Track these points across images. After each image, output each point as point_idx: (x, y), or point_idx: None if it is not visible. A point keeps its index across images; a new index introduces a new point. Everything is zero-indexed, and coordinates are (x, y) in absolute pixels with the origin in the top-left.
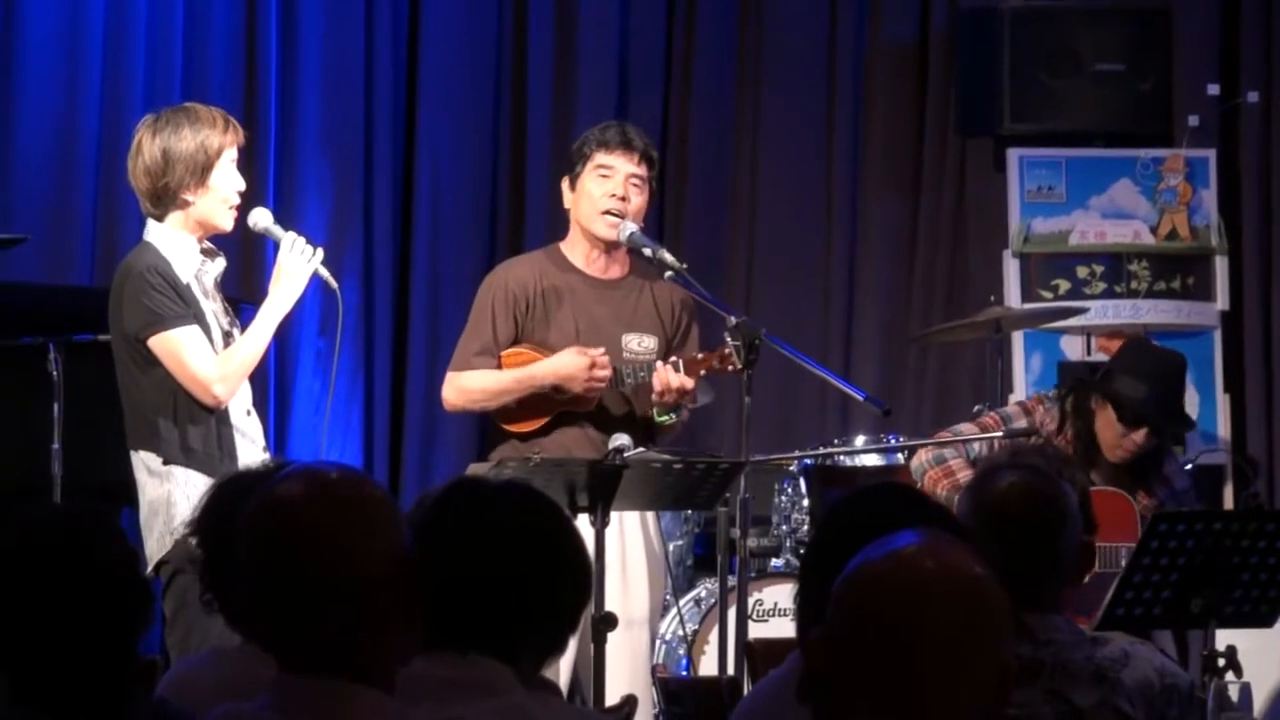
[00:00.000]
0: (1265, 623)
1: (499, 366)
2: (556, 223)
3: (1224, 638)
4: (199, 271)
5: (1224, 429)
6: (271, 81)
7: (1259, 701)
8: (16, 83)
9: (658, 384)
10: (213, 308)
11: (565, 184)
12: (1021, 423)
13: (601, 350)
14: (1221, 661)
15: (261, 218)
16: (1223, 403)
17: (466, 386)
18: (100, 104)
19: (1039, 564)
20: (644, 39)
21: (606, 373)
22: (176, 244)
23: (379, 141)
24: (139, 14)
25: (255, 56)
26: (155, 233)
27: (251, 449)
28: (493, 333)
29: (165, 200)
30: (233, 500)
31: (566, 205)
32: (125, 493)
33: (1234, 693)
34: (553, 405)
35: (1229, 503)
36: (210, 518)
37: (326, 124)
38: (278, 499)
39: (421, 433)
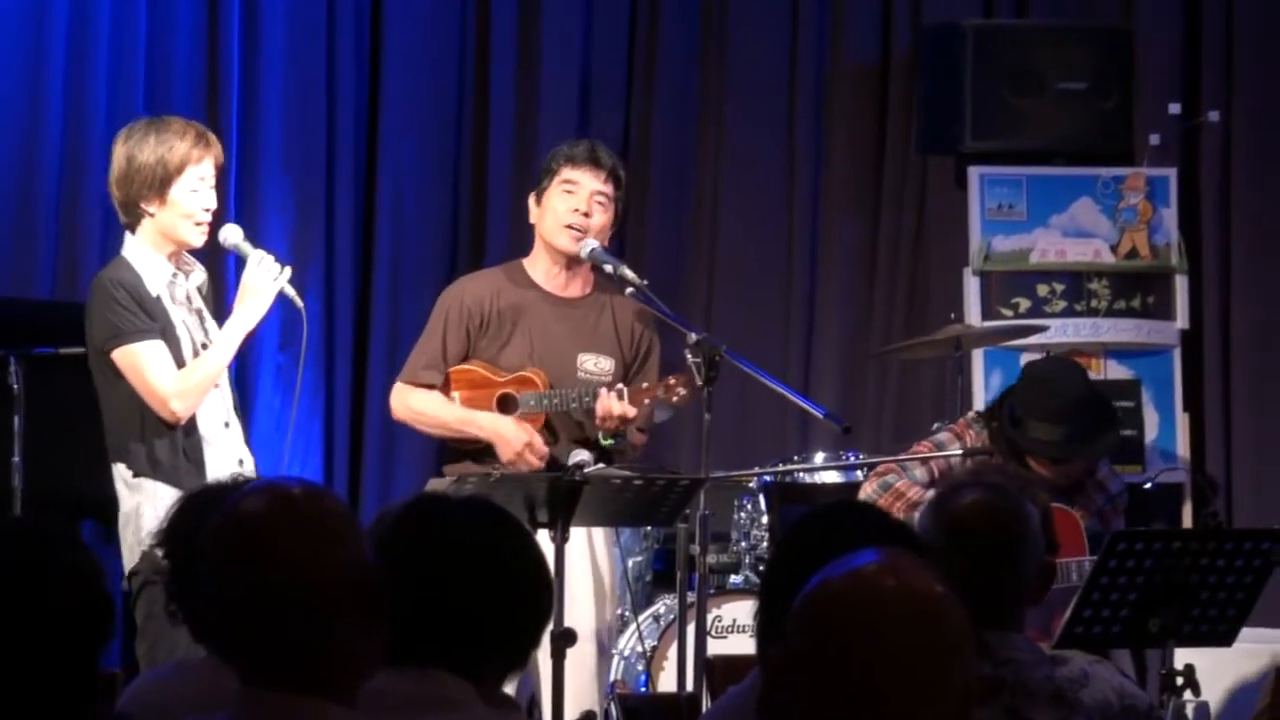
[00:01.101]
0: (1224, 641)
1: (446, 383)
2: (518, 238)
3: (1182, 657)
4: (171, 284)
5: (1183, 448)
6: (233, 96)
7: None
8: None
9: (600, 410)
10: (186, 319)
11: (532, 199)
12: (956, 447)
13: (543, 446)
14: (1180, 681)
15: (231, 234)
16: (1182, 421)
17: (411, 405)
18: (63, 119)
19: (1000, 582)
20: (606, 55)
21: (537, 461)
22: (146, 257)
23: (341, 156)
24: (101, 29)
25: (217, 72)
26: (128, 245)
27: (224, 460)
28: (442, 348)
29: (130, 211)
30: (200, 513)
31: (532, 220)
32: (87, 505)
33: (1191, 712)
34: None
35: (1188, 522)
36: (177, 530)
37: (288, 139)
38: (240, 514)
39: (381, 448)
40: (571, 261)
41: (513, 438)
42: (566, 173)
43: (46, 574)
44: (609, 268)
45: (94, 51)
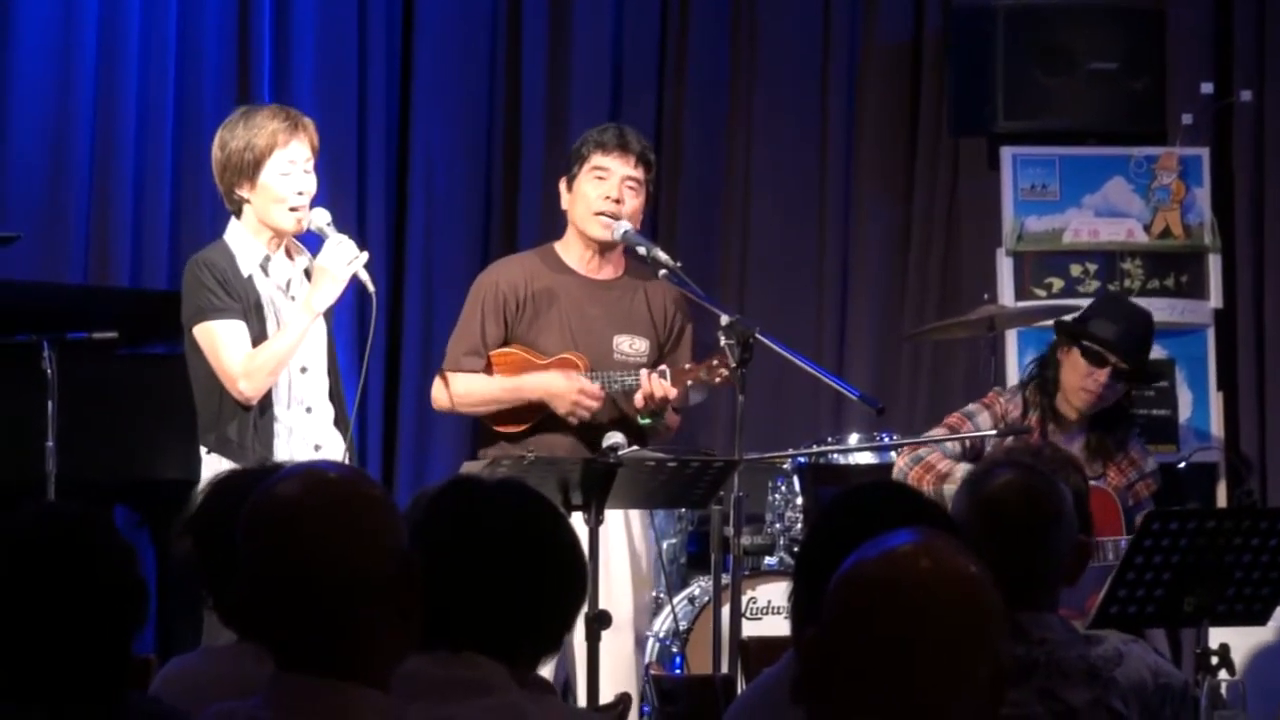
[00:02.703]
0: (1259, 621)
1: (488, 367)
2: (550, 223)
3: (1217, 636)
4: (267, 266)
5: (1217, 427)
6: (265, 83)
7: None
8: (10, 82)
9: (642, 391)
10: (278, 300)
11: (563, 184)
12: (985, 416)
13: (596, 385)
14: (1215, 660)
15: (318, 217)
16: (1216, 400)
17: (456, 389)
18: (94, 103)
19: (1033, 562)
20: (637, 38)
21: (594, 403)
22: (243, 240)
23: (372, 142)
24: (133, 14)
25: (249, 59)
26: (229, 229)
27: (298, 444)
28: (481, 334)
29: (230, 198)
30: (226, 499)
31: (564, 206)
32: (121, 490)
33: (1226, 691)
34: (540, 412)
35: (1222, 501)
36: (205, 516)
37: (320, 126)
38: (277, 498)
39: (415, 432)
40: (604, 246)
41: (564, 390)
42: (596, 159)
43: (80, 560)
44: (642, 250)
45: (124, 38)
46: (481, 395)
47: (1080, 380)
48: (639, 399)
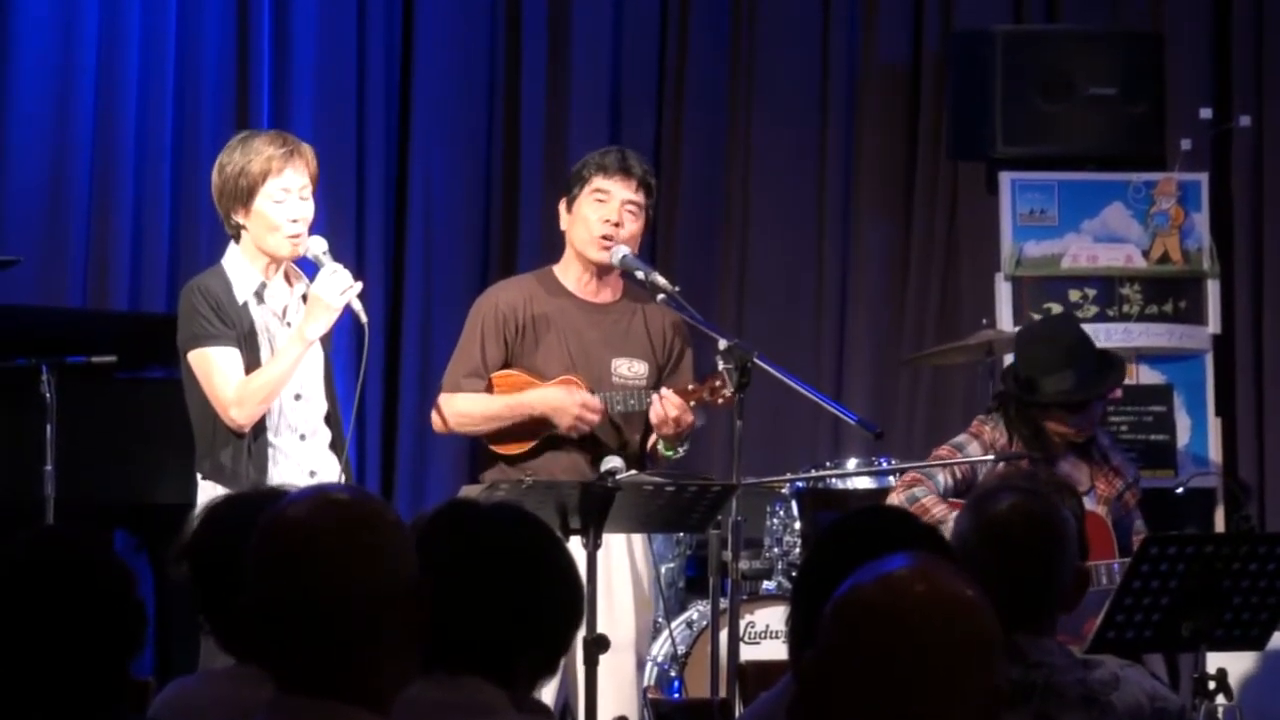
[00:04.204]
0: (1256, 645)
1: (489, 389)
2: (549, 244)
3: (1215, 661)
4: (264, 292)
5: (1215, 452)
6: (264, 103)
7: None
8: (9, 105)
9: (655, 416)
10: (273, 327)
11: (562, 206)
12: (974, 446)
13: (597, 399)
14: (1212, 684)
15: (315, 245)
16: (1214, 426)
17: (458, 409)
18: (93, 127)
19: (1036, 586)
20: (637, 61)
21: (595, 416)
22: (240, 266)
23: (371, 162)
24: (132, 36)
25: (247, 83)
26: (227, 254)
27: (293, 470)
28: (481, 356)
29: (228, 222)
30: (220, 525)
31: (563, 227)
32: (120, 514)
33: (1223, 715)
34: (541, 430)
35: (1220, 526)
36: (199, 542)
37: (319, 144)
38: (288, 520)
39: (413, 454)
40: (602, 269)
41: (568, 404)
42: (598, 182)
43: (80, 582)
44: (640, 274)
45: (124, 61)
46: (483, 413)
47: (1074, 428)
48: (654, 420)
